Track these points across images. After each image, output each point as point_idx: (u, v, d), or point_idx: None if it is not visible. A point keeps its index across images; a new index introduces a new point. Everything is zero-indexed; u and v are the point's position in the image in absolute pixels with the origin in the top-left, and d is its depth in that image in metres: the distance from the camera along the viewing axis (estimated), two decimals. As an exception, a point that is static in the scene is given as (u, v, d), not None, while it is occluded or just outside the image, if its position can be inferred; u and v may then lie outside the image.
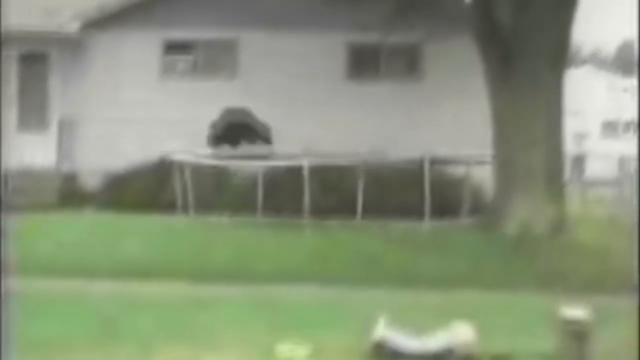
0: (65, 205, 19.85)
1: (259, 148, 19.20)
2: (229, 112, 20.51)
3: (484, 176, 17.12)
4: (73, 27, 21.56)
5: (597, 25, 27.30)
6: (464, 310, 10.06)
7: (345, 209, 17.94)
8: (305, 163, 17.40)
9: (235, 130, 20.11)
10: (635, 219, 16.24)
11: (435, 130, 20.46)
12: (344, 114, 21.29)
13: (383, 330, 8.25)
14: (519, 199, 16.15)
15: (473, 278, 12.93)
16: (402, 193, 19.00)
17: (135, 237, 15.56)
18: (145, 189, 19.98)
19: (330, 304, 11.28)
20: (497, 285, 12.33)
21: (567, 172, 18.87)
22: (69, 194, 20.70)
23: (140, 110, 21.44)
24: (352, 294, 12.06)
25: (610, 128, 36.07)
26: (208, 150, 20.22)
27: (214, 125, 19.99)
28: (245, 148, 20.14)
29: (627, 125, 34.62)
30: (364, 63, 21.98)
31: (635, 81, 32.33)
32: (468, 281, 12.78)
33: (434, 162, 17.98)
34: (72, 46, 22.00)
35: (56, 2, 22.53)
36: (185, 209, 18.45)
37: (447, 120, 20.73)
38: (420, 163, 17.76)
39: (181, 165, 18.58)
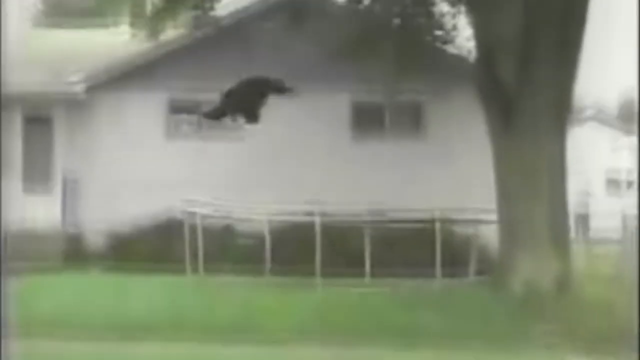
0: (70, 266, 19.93)
1: (266, 206, 19.06)
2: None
3: (492, 234, 17.21)
4: (78, 88, 21.82)
5: (599, 82, 27.53)
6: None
7: (354, 267, 18.07)
8: (317, 219, 17.52)
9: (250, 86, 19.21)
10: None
11: (440, 188, 20.65)
12: (349, 172, 21.49)
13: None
14: (524, 256, 16.26)
15: (479, 337, 12.99)
16: (410, 251, 19.17)
17: (141, 297, 15.62)
18: (151, 249, 20.12)
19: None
20: (503, 343, 12.38)
21: (572, 229, 18.94)
22: (74, 254, 20.80)
23: (146, 171, 21.64)
24: (360, 353, 12.14)
25: (613, 185, 36.18)
26: (214, 206, 20.29)
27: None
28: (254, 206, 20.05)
29: (630, 183, 34.74)
30: (368, 121, 22.25)
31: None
32: (474, 340, 12.84)
33: (443, 222, 18.10)
34: (77, 107, 22.27)
35: (61, 63, 22.83)
36: (193, 268, 18.53)
37: (451, 178, 20.91)
38: (429, 221, 17.89)
39: (188, 225, 18.69)
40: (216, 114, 17.91)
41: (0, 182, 21.13)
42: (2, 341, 11.58)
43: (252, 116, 16.92)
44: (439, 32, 18.41)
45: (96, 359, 12.02)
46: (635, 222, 24.90)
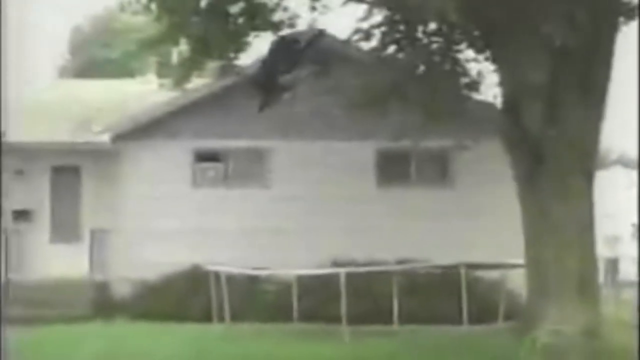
0: (97, 315, 20.05)
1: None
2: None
3: (520, 280, 17.17)
4: (104, 137, 22.04)
5: (622, 126, 27.51)
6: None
7: (382, 315, 18.09)
8: (342, 272, 17.55)
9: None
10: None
11: (467, 237, 20.66)
12: (375, 221, 21.54)
13: None
14: (552, 304, 16.15)
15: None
16: (437, 299, 19.19)
17: (168, 346, 15.67)
18: (178, 298, 20.23)
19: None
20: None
21: (601, 275, 18.85)
22: (102, 303, 20.92)
23: (172, 219, 21.78)
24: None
25: (638, 229, 35.99)
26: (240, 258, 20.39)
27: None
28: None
29: (658, 225, 34.58)
30: (394, 169, 22.31)
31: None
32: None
33: (470, 268, 18.08)
34: (104, 157, 22.49)
35: (87, 112, 23.12)
36: (219, 317, 18.57)
37: (478, 227, 20.92)
38: (455, 269, 17.87)
39: (216, 274, 18.74)
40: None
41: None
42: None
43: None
44: (464, 79, 18.49)
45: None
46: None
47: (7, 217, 21.87)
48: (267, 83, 17.32)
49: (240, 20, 17.89)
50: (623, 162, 38.88)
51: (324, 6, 18.14)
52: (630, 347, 14.85)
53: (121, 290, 21.36)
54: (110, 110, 23.25)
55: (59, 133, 22.34)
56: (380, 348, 15.31)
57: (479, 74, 17.74)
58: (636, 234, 33.74)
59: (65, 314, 19.13)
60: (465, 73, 17.85)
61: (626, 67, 19.25)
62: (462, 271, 17.78)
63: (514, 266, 17.75)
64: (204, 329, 17.77)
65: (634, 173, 38.24)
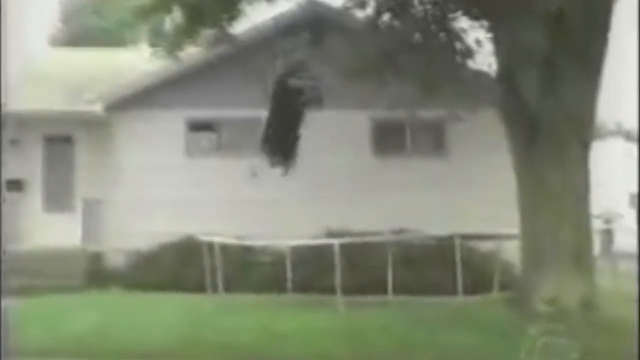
0: (91, 285, 20.08)
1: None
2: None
3: (515, 251, 17.20)
4: (97, 108, 21.97)
5: (620, 96, 27.45)
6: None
7: (376, 286, 18.13)
8: (335, 242, 17.55)
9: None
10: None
11: (462, 207, 20.68)
12: (370, 191, 21.54)
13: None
14: (547, 274, 16.20)
15: (500, 357, 12.99)
16: (432, 270, 19.22)
17: (162, 317, 15.69)
18: (172, 269, 20.25)
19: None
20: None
21: (596, 246, 18.87)
22: (95, 273, 20.94)
23: (166, 189, 21.75)
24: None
25: (638, 200, 35.99)
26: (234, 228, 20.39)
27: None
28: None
29: (655, 197, 34.60)
30: (389, 139, 22.29)
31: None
32: (497, 358, 12.86)
33: (464, 238, 18.09)
34: (97, 126, 22.41)
35: (80, 82, 23.02)
36: (213, 287, 18.60)
37: (473, 197, 20.93)
38: (450, 240, 17.89)
39: (209, 245, 18.75)
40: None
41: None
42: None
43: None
44: (460, 48, 18.42)
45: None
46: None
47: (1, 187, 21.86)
48: (278, 144, 17.08)
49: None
50: (620, 133, 38.83)
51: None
52: (627, 319, 14.85)
53: (114, 260, 21.39)
54: (102, 79, 23.16)
55: (51, 102, 22.25)
56: (375, 319, 15.32)
57: (476, 42, 17.66)
58: (635, 204, 33.79)
59: (57, 284, 19.14)
60: (461, 41, 17.78)
61: (625, 37, 19.17)
62: (457, 242, 17.80)
63: (508, 237, 17.78)
64: (198, 300, 17.77)
65: (632, 143, 38.21)
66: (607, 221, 28.89)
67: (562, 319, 14.92)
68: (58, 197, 22.60)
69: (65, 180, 22.68)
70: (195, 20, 18.10)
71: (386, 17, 17.95)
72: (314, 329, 14.60)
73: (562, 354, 11.62)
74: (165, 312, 16.26)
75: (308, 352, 13.38)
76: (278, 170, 19.85)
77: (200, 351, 13.47)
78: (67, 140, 22.87)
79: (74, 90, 22.64)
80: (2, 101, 21.01)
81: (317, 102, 17.55)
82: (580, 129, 16.69)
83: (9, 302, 15.65)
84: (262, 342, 13.88)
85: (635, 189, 35.28)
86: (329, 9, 19.57)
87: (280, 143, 17.75)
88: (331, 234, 19.60)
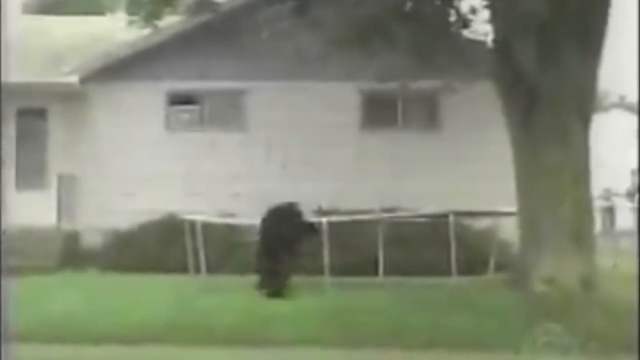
0: (66, 266, 20.01)
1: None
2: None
3: (512, 229, 17.18)
4: (72, 79, 21.82)
5: (624, 68, 27.40)
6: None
7: (366, 267, 18.08)
8: (323, 220, 17.49)
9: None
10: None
11: (456, 183, 20.63)
12: (359, 167, 21.47)
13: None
14: (546, 254, 16.18)
15: (497, 339, 12.97)
16: (425, 249, 19.21)
17: (142, 300, 15.63)
18: (152, 249, 20.20)
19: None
20: (518, 345, 12.35)
21: (597, 224, 18.88)
22: (71, 254, 20.86)
23: (145, 165, 21.66)
24: (375, 357, 12.15)
25: (638, 178, 35.97)
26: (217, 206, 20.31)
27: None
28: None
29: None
30: (379, 112, 22.21)
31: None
32: (492, 343, 12.84)
33: (459, 215, 18.04)
34: (72, 99, 22.28)
35: (54, 52, 22.86)
36: (196, 268, 18.54)
37: (468, 173, 20.88)
38: (444, 217, 17.84)
39: (192, 223, 18.68)
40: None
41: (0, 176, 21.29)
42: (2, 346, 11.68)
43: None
44: (454, 15, 18.32)
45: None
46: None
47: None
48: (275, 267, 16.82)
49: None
50: (623, 106, 38.78)
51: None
52: (628, 299, 14.86)
53: (91, 240, 21.31)
54: (79, 49, 23.01)
55: (25, 73, 22.08)
56: (365, 301, 15.28)
57: (471, 9, 17.54)
58: (636, 181, 33.81)
59: (31, 265, 19.05)
60: (455, 9, 17.66)
61: (626, 8, 19.12)
62: (451, 219, 17.74)
63: (505, 214, 17.77)
64: (179, 282, 17.69)
65: (634, 117, 38.18)
66: (608, 198, 28.93)
67: (560, 299, 14.98)
68: (31, 174, 22.47)
69: (39, 156, 22.55)
70: (175, -14, 17.99)
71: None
72: (301, 311, 14.56)
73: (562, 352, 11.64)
74: (145, 295, 16.18)
75: (295, 336, 13.33)
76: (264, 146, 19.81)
77: (182, 335, 13.42)
78: (41, 113, 22.74)
79: (48, 60, 22.48)
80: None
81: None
82: (580, 101, 16.64)
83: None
84: (247, 325, 13.83)
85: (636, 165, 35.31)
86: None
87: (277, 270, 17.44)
88: (318, 212, 19.54)
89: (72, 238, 21.42)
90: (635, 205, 27.17)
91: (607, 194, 30.76)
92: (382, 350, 12.85)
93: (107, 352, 12.69)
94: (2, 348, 11.68)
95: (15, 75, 21.77)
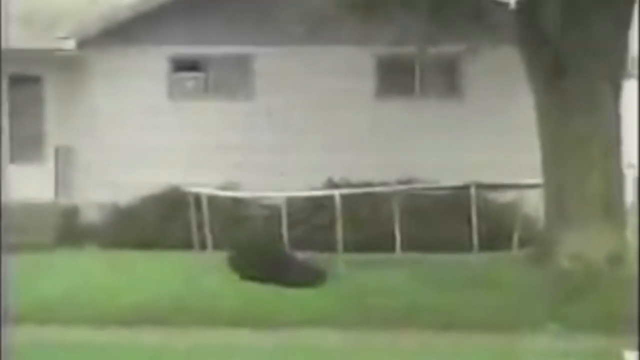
0: (64, 243, 19.96)
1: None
2: None
3: (537, 202, 17.06)
4: (69, 45, 21.66)
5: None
6: (514, 355, 10.09)
7: (383, 242, 17.97)
8: (336, 193, 17.39)
9: None
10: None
11: (478, 154, 20.47)
12: (373, 137, 21.33)
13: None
14: (574, 228, 16.10)
15: (522, 319, 12.90)
16: (445, 223, 19.10)
17: (143, 278, 15.59)
18: (154, 224, 20.12)
19: (364, 350, 11.29)
20: (549, 326, 12.27)
21: (628, 197, 18.76)
22: (69, 230, 20.81)
23: (147, 136, 21.55)
24: (391, 339, 12.12)
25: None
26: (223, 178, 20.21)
27: None
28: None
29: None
30: (396, 79, 22.04)
31: None
32: (517, 322, 12.77)
33: (480, 188, 17.92)
34: (69, 66, 22.13)
35: (48, 17, 22.72)
36: (201, 244, 18.46)
37: (490, 143, 20.72)
38: (464, 190, 17.71)
39: (196, 196, 18.57)
40: None
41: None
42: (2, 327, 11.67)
43: None
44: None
45: (98, 347, 12.03)
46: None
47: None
48: None
49: None
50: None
51: None
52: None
53: (90, 215, 21.22)
54: (76, 12, 22.83)
55: (18, 39, 21.94)
56: (380, 279, 15.21)
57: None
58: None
59: (27, 241, 18.97)
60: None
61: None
62: (473, 192, 17.65)
63: (530, 187, 17.68)
64: (183, 259, 17.63)
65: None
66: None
67: (587, 277, 14.91)
68: (27, 146, 22.38)
69: (35, 127, 22.45)
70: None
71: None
72: (311, 290, 14.50)
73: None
74: (146, 273, 16.16)
75: (304, 317, 13.28)
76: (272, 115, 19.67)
77: (185, 316, 13.40)
78: (36, 81, 22.62)
79: (43, 24, 22.33)
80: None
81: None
82: (609, 67, 16.53)
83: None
84: (252, 306, 13.78)
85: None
86: None
87: None
88: (332, 185, 19.44)
89: (71, 213, 21.35)
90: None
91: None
92: (398, 332, 12.78)
93: (107, 335, 12.65)
94: (2, 329, 11.64)
95: (6, 40, 21.62)
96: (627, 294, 13.72)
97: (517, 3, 17.23)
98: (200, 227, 18.52)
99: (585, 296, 14.08)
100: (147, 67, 22.02)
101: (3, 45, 21.23)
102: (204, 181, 19.47)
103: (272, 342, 12.36)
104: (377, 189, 18.63)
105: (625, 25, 16.55)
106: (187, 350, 11.88)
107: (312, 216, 19.04)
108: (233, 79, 22.17)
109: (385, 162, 20.68)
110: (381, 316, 13.36)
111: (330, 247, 17.32)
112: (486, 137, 20.88)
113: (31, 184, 21.27)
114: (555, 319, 12.54)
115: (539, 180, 16.89)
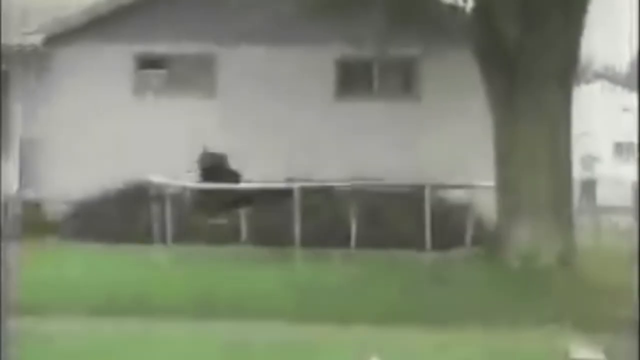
0: (26, 237, 19.86)
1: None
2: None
3: (489, 203, 17.23)
4: (35, 41, 21.62)
5: (611, 40, 27.45)
6: (463, 350, 10.20)
7: (338, 238, 18.09)
8: (295, 187, 17.49)
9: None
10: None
11: (433, 154, 20.61)
12: (332, 137, 21.43)
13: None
14: (523, 228, 16.26)
15: (471, 315, 12.99)
16: (399, 221, 19.20)
17: (106, 271, 15.58)
18: (117, 217, 20.09)
19: (316, 343, 11.33)
20: (497, 323, 12.38)
21: (576, 198, 18.95)
22: (32, 223, 20.72)
23: (111, 131, 21.55)
24: (342, 332, 12.14)
25: (623, 150, 36.02)
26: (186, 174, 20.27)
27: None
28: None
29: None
30: (354, 80, 22.17)
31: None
32: (465, 318, 12.86)
33: (435, 188, 18.08)
34: (35, 61, 22.07)
35: (19, 13, 22.63)
36: (162, 239, 18.51)
37: (446, 144, 20.87)
38: (419, 189, 17.86)
39: (158, 191, 18.62)
40: None
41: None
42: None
43: None
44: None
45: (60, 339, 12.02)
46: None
47: None
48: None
49: None
50: (608, 77, 38.85)
51: None
52: (606, 279, 14.90)
53: (54, 208, 21.17)
54: (42, 9, 22.78)
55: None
56: (335, 274, 15.29)
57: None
58: (619, 152, 33.95)
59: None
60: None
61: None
62: (427, 192, 17.79)
63: (483, 187, 17.80)
64: (145, 252, 17.64)
65: (618, 87, 38.28)
66: (589, 171, 28.97)
67: (536, 275, 15.06)
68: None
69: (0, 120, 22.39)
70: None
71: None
72: (266, 284, 14.55)
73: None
74: (109, 266, 16.13)
75: (258, 309, 13.30)
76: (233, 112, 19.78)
77: (147, 309, 13.38)
78: (2, 76, 22.53)
79: (9, 20, 22.26)
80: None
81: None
82: (563, 71, 16.68)
83: None
84: (210, 300, 13.79)
85: (620, 139, 35.40)
86: None
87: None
88: (290, 182, 19.54)
89: (34, 207, 21.28)
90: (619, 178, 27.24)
91: (589, 161, 30.66)
92: (343, 325, 12.82)
93: (67, 326, 12.64)
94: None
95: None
96: (576, 294, 13.86)
97: (474, 7, 17.38)
98: (161, 221, 18.57)
99: (533, 295, 14.20)
100: (113, 63, 22.05)
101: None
102: (166, 175, 19.51)
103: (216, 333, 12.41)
104: (335, 184, 18.74)
105: (578, 30, 16.71)
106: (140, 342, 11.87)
107: (270, 211, 19.11)
108: (196, 77, 22.24)
109: (343, 162, 20.79)
110: (334, 311, 13.39)
111: (287, 242, 17.43)
112: (441, 138, 21.05)
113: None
114: (503, 316, 12.66)
115: (491, 181, 17.05)
